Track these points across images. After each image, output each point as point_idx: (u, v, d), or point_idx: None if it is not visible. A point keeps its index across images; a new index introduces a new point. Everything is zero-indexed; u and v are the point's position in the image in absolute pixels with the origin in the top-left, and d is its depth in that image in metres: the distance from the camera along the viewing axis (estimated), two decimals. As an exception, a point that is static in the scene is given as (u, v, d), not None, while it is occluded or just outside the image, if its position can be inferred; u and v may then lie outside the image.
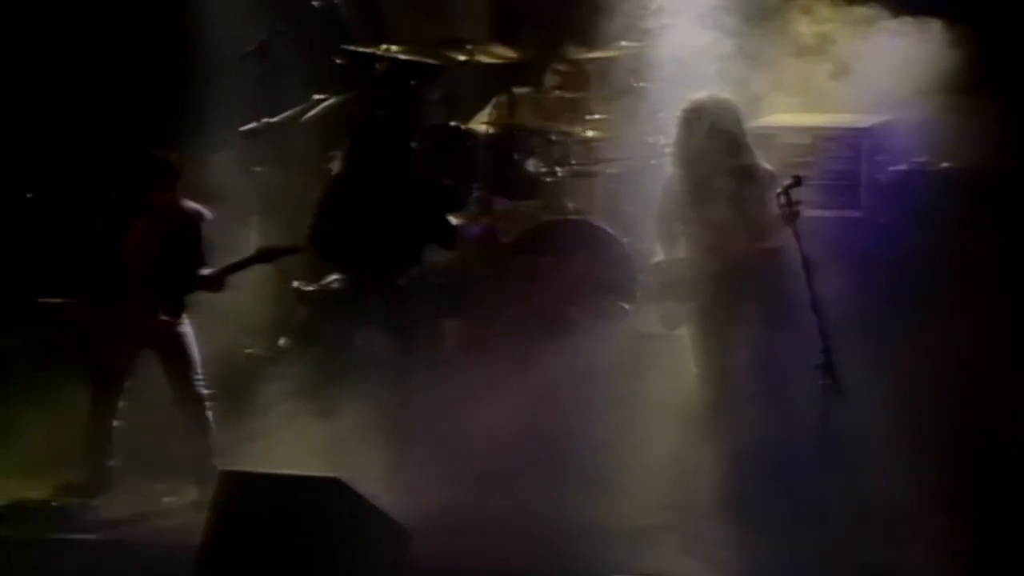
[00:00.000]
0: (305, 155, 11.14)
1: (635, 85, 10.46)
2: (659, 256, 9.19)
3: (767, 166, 8.98)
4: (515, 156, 10.80)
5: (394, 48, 11.17)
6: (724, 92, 9.04)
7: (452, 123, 10.98)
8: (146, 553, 8.72)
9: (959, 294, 9.15)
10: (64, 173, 11.11)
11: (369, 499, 7.82)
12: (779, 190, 8.49)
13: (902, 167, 9.81)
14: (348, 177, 9.96)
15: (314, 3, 11.38)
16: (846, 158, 9.68)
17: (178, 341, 9.42)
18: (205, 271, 9.39)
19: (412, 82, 11.17)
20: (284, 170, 11.14)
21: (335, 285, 9.87)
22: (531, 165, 10.82)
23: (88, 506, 9.31)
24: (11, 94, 11.13)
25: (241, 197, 10.55)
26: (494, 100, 11.09)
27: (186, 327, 9.45)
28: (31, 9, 11.32)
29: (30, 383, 9.97)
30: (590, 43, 10.78)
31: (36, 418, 9.64)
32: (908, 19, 9.52)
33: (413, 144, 10.18)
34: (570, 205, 10.82)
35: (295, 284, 10.06)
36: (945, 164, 9.74)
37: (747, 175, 8.90)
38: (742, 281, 8.89)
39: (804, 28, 9.70)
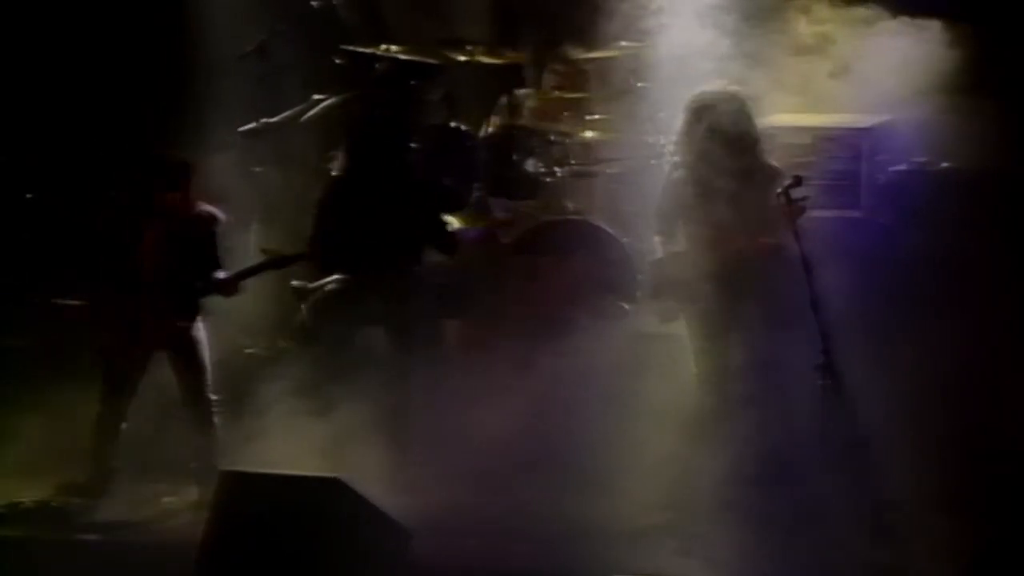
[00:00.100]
0: (305, 155, 11.14)
1: (635, 85, 10.46)
2: (658, 253, 9.20)
3: (774, 163, 8.96)
4: (515, 156, 10.81)
5: (394, 48, 11.17)
6: (734, 86, 9.05)
7: (452, 123, 10.98)
8: (146, 553, 8.72)
9: (959, 294, 9.15)
10: (64, 173, 11.11)
11: (369, 499, 7.82)
12: (779, 190, 8.48)
13: (902, 167, 9.81)
14: (348, 177, 9.95)
15: (313, 3, 11.37)
16: (846, 158, 9.69)
17: (192, 346, 9.41)
18: (219, 275, 9.39)
19: (412, 82, 11.17)
20: (284, 170, 11.14)
21: (335, 285, 9.87)
22: (531, 165, 10.82)
23: (88, 506, 9.30)
24: (11, 94, 11.12)
25: (241, 197, 10.54)
26: (500, 102, 11.13)
27: (200, 332, 9.45)
28: (31, 9, 11.32)
29: (31, 383, 9.96)
30: (590, 43, 10.78)
31: (36, 418, 9.63)
32: (907, 19, 9.52)
33: (413, 144, 10.18)
34: (570, 205, 10.82)
35: (294, 284, 10.06)
36: (945, 164, 9.75)
37: (752, 172, 8.89)
38: (742, 280, 8.88)
39: (803, 28, 9.70)
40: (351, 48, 11.28)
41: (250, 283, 9.63)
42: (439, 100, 11.18)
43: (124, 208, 9.49)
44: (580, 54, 11.01)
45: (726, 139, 8.88)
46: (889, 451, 8.37)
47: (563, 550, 8.46)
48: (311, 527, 7.70)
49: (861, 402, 8.24)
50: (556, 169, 10.82)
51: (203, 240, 9.42)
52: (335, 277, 9.87)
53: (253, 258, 9.65)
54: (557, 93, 11.16)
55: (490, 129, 11.06)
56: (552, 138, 10.87)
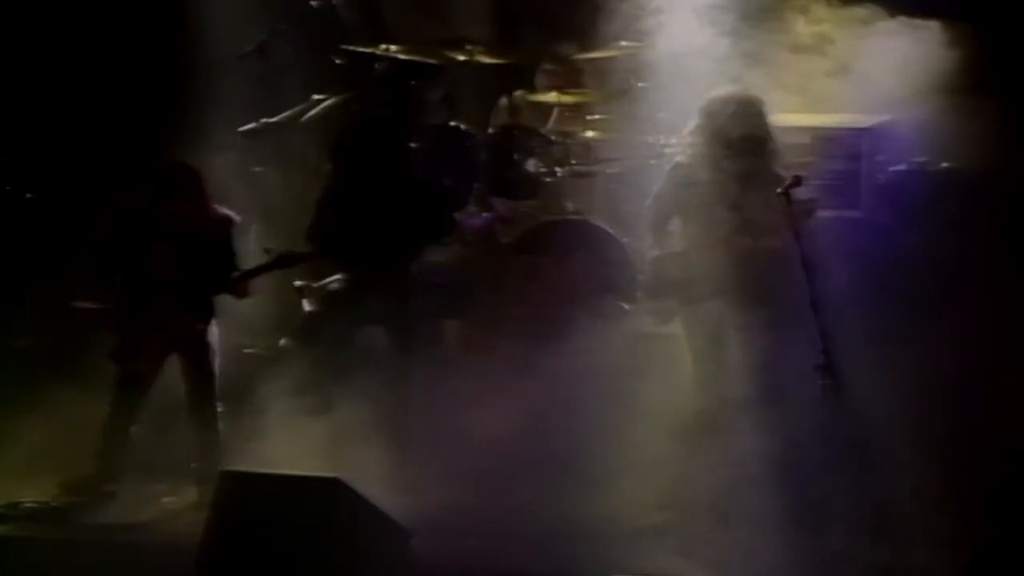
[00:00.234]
0: (305, 155, 11.14)
1: (634, 85, 10.46)
2: (653, 250, 9.21)
3: (781, 171, 8.90)
4: (515, 156, 10.81)
5: (394, 48, 11.16)
6: (752, 90, 9.05)
7: (452, 123, 10.98)
8: (146, 553, 8.72)
9: (959, 294, 9.15)
10: (64, 173, 11.11)
11: (369, 499, 7.82)
12: (779, 189, 8.48)
13: (902, 167, 9.81)
14: (348, 177, 9.95)
15: (313, 3, 11.37)
16: (845, 158, 9.69)
17: (204, 351, 9.43)
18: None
19: (412, 82, 11.17)
20: (284, 170, 11.14)
21: (335, 285, 9.88)
22: (531, 165, 10.83)
23: (88, 506, 9.30)
24: (11, 94, 11.12)
25: (241, 198, 10.54)
26: (499, 102, 11.12)
27: (214, 338, 9.46)
28: (31, 9, 11.32)
29: (31, 383, 9.96)
30: (589, 43, 10.78)
31: (36, 418, 9.63)
32: (905, 19, 9.52)
33: (413, 144, 10.18)
34: (570, 205, 10.82)
35: (297, 283, 10.07)
36: (945, 164, 9.75)
37: (761, 175, 8.87)
38: (743, 281, 8.89)
39: (801, 28, 9.70)
40: (351, 48, 11.27)
41: (252, 283, 9.63)
42: (439, 100, 11.17)
43: (137, 215, 9.47)
44: (580, 54, 11.01)
45: (740, 142, 8.89)
46: (889, 451, 8.38)
47: (563, 550, 8.46)
48: (311, 527, 7.71)
49: (861, 402, 8.24)
50: (556, 169, 10.83)
51: (219, 244, 9.42)
52: (336, 277, 9.88)
53: (253, 259, 9.64)
54: (556, 93, 11.16)
55: (490, 129, 11.07)
56: (552, 138, 10.88)
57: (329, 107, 11.31)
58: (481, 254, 10.71)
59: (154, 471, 9.58)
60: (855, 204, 9.65)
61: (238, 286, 9.43)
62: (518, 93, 11.15)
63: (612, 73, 10.78)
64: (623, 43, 10.47)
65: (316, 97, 11.35)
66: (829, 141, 9.68)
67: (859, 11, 9.59)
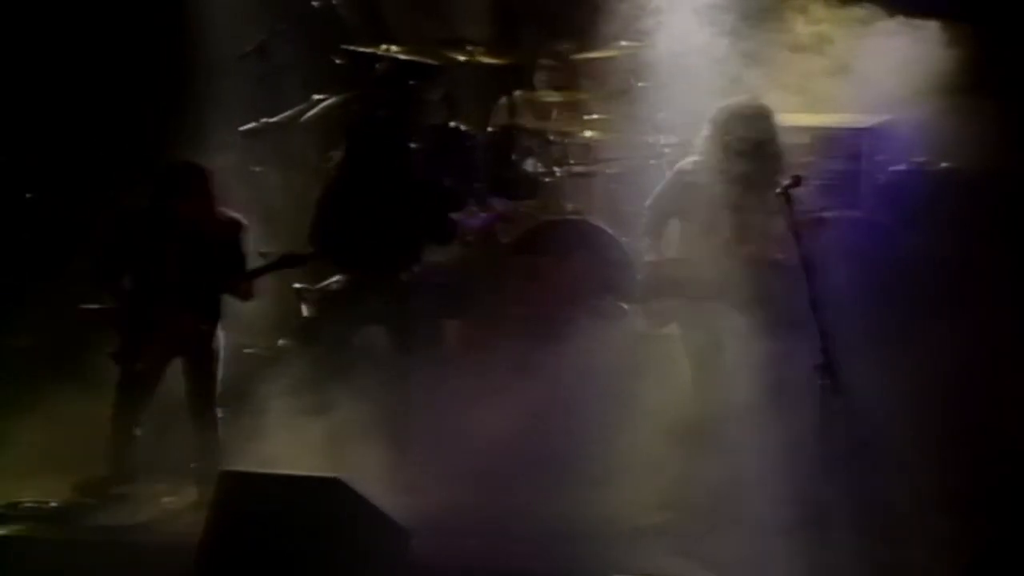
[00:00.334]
0: (305, 155, 11.14)
1: (634, 85, 10.46)
2: (649, 252, 9.21)
3: (786, 181, 8.88)
4: (514, 156, 10.81)
5: (394, 48, 11.16)
6: (760, 99, 9.06)
7: (452, 123, 10.98)
8: (146, 553, 8.72)
9: (959, 294, 9.14)
10: (64, 173, 11.11)
11: (369, 499, 7.82)
12: (779, 190, 8.47)
13: (902, 167, 9.81)
14: (348, 177, 9.95)
15: (314, 3, 11.38)
16: (846, 158, 9.69)
17: (208, 355, 9.43)
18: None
19: (412, 82, 11.17)
20: (284, 170, 11.14)
21: (335, 285, 9.88)
22: (530, 165, 10.83)
23: (88, 506, 9.30)
24: (11, 94, 11.12)
25: (241, 198, 10.53)
26: (499, 102, 11.12)
27: (219, 343, 9.45)
28: (31, 9, 11.32)
29: (31, 384, 9.96)
30: (589, 43, 10.78)
31: (36, 419, 9.63)
32: (904, 19, 9.52)
33: (413, 144, 10.18)
34: (569, 205, 10.82)
35: (297, 286, 10.07)
36: (945, 164, 9.75)
37: (769, 183, 8.86)
38: (743, 283, 8.88)
39: (801, 28, 9.70)
40: (351, 48, 11.28)
41: (256, 284, 9.63)
42: (439, 100, 11.17)
43: (144, 215, 9.46)
44: (580, 54, 11.01)
45: (748, 150, 8.89)
46: (889, 451, 8.38)
47: (563, 550, 8.46)
48: (311, 527, 7.70)
49: (861, 402, 8.24)
50: (555, 169, 10.83)
51: (226, 246, 9.40)
52: (336, 278, 9.89)
53: (253, 259, 9.64)
54: (556, 93, 11.16)
55: (490, 129, 11.07)
56: (551, 138, 10.88)
57: (329, 107, 11.31)
58: (481, 254, 10.70)
59: (154, 471, 9.58)
60: (855, 204, 9.65)
61: (241, 287, 9.42)
62: (518, 93, 11.14)
63: (612, 73, 10.77)
64: (623, 43, 10.47)
65: (316, 97, 11.35)
66: (829, 141, 9.68)
67: (858, 11, 9.59)
